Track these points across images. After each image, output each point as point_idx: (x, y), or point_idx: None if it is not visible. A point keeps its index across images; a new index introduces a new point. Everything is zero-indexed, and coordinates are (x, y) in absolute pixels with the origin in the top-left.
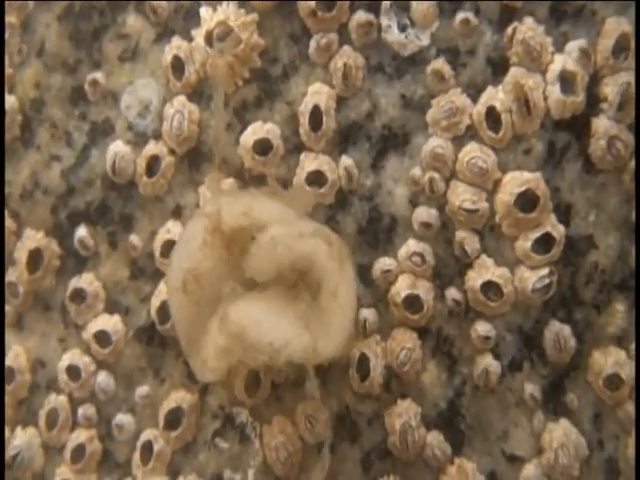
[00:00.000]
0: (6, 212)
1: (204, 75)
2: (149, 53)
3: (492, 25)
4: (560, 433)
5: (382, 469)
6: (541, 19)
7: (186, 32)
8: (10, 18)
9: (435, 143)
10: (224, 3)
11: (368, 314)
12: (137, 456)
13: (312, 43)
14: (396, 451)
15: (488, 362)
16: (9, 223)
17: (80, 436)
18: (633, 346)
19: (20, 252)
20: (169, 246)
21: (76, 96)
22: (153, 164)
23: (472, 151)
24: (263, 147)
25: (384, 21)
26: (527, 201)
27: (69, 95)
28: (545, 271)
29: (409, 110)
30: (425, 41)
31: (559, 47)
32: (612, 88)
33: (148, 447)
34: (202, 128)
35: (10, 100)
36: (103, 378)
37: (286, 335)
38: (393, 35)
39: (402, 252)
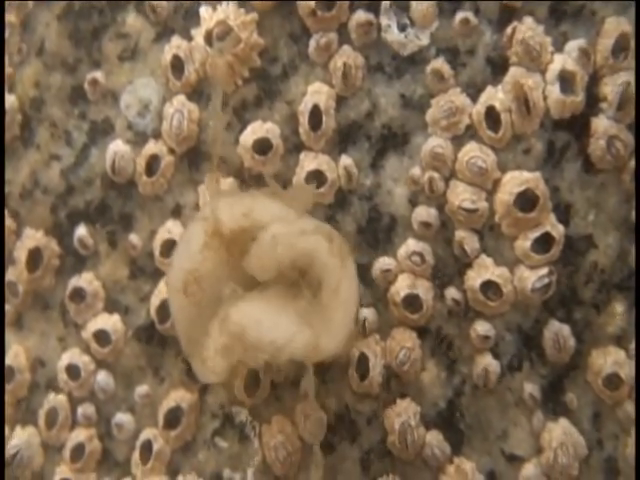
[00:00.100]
0: (6, 211)
1: (204, 74)
2: (149, 52)
3: (492, 25)
4: (559, 432)
5: (381, 468)
6: (541, 19)
7: (186, 31)
8: (10, 17)
9: (435, 143)
10: (224, 2)
11: (367, 313)
12: (136, 455)
13: (312, 43)
14: (395, 450)
15: (487, 362)
16: (9, 222)
17: (79, 435)
18: (632, 346)
19: (20, 251)
20: (169, 245)
21: (76, 95)
22: (153, 163)
23: (472, 151)
24: (263, 146)
25: (384, 21)
26: (526, 201)
27: (69, 94)
28: (544, 271)
29: (409, 110)
30: (425, 41)
31: (559, 47)
32: (612, 88)
33: (147, 446)
34: (202, 127)
35: (10, 99)
36: (102, 377)
37: (287, 333)
38: (393, 35)
39: (401, 252)
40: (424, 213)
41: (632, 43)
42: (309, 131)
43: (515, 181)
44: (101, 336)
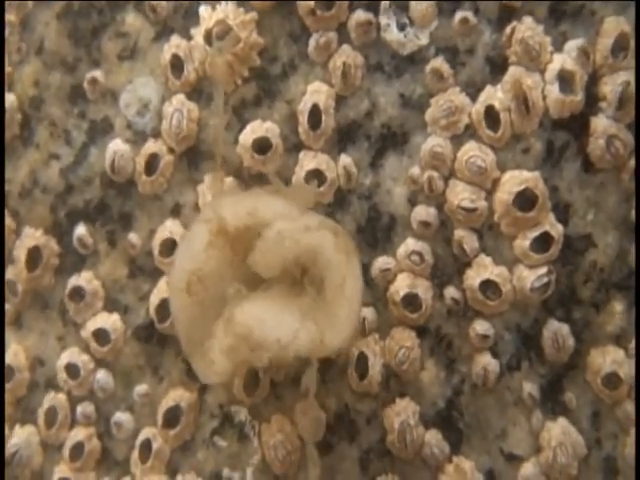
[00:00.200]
0: (5, 210)
1: (203, 74)
2: (148, 52)
3: (491, 24)
4: (558, 432)
5: (380, 468)
6: (540, 18)
7: (185, 31)
8: (9, 16)
9: (434, 142)
10: (223, 2)
11: (367, 313)
12: (136, 454)
13: (311, 42)
14: (394, 450)
15: (486, 361)
16: (8, 221)
17: (79, 434)
18: (632, 345)
19: (19, 250)
20: (168, 245)
21: (75, 94)
22: (152, 162)
23: (471, 150)
24: (262, 146)
25: (383, 20)
26: (526, 200)
27: (68, 93)
28: (543, 270)
29: (408, 109)
30: (424, 40)
31: (558, 46)
32: (611, 87)
33: (147, 445)
34: (201, 127)
35: (9, 98)
36: (102, 376)
37: (292, 330)
38: (392, 34)
39: (401, 251)
40: (423, 212)
41: (631, 43)
42: (308, 130)
43: (514, 180)
44: (100, 335)
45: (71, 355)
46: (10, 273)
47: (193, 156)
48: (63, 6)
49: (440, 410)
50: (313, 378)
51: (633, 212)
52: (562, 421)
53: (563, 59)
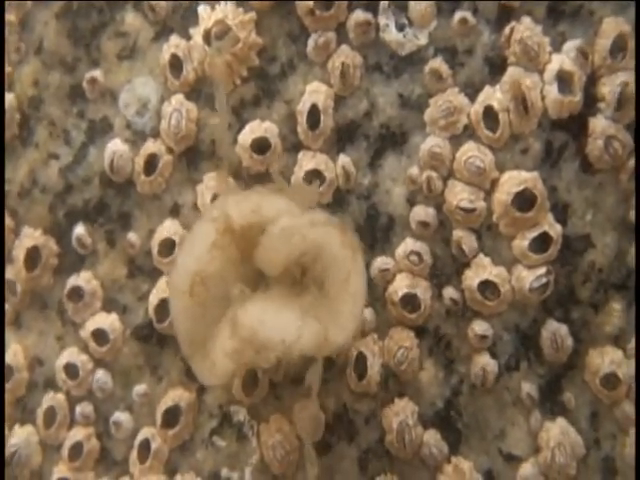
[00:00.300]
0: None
1: (202, 74)
2: (147, 51)
3: (490, 25)
4: (557, 432)
5: (379, 468)
6: (539, 19)
7: (184, 31)
8: (9, 16)
9: (433, 142)
10: (222, 2)
11: (366, 313)
12: (134, 454)
13: (310, 42)
14: (393, 450)
15: (485, 361)
16: (7, 221)
17: (78, 434)
18: (630, 345)
19: (18, 250)
20: (167, 244)
21: (74, 94)
22: (151, 162)
23: (470, 150)
24: (261, 146)
25: (382, 20)
26: (524, 200)
27: (67, 93)
28: (542, 270)
29: (407, 109)
30: (423, 40)
31: (557, 47)
32: (609, 88)
33: (145, 445)
34: (200, 127)
35: (8, 98)
36: (101, 376)
37: (296, 329)
38: (391, 34)
39: (400, 251)
40: (422, 212)
41: (630, 43)
42: (307, 130)
43: (513, 181)
44: (99, 335)
45: (70, 355)
46: (9, 273)
47: (192, 156)
48: (62, 6)
49: (439, 410)
50: (317, 376)
51: (632, 212)
52: (561, 421)
53: (562, 59)
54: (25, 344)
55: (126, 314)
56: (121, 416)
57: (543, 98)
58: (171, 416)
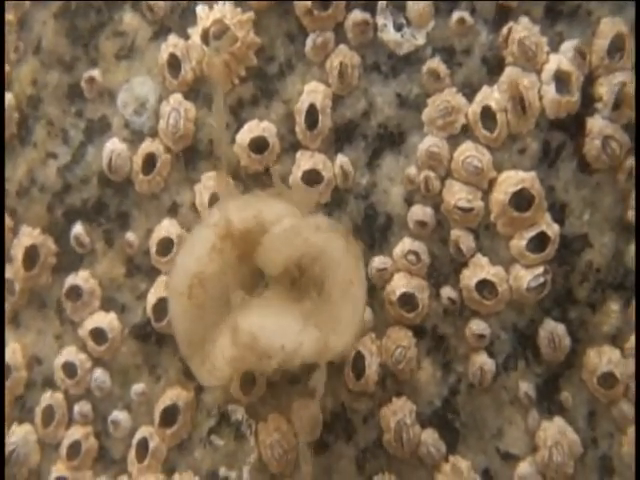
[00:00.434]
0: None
1: (200, 73)
2: (145, 51)
3: (488, 25)
4: (554, 431)
5: (377, 467)
6: (536, 19)
7: (182, 30)
8: (7, 16)
9: (430, 142)
10: (220, 2)
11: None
12: (133, 453)
13: (308, 42)
14: (391, 449)
15: (483, 360)
16: (6, 220)
17: (76, 433)
18: (627, 345)
19: (16, 249)
20: (165, 244)
21: (73, 93)
22: (149, 162)
23: (467, 150)
24: (259, 145)
25: (380, 20)
26: (522, 200)
27: (66, 92)
28: (540, 270)
29: (405, 109)
30: (421, 40)
31: (554, 47)
32: (607, 88)
33: (144, 444)
34: (198, 126)
35: (7, 97)
36: (99, 375)
37: (297, 336)
38: (389, 34)
39: (397, 250)
40: (420, 212)
41: (627, 43)
42: (305, 130)
43: (511, 180)
44: (97, 334)
45: (68, 354)
46: (8, 272)
47: (190, 155)
48: (60, 5)
49: (436, 409)
50: (322, 381)
51: (629, 212)
52: (558, 420)
53: (559, 59)
54: (23, 343)
55: (124, 313)
56: (119, 415)
57: (541, 98)
58: (169, 415)
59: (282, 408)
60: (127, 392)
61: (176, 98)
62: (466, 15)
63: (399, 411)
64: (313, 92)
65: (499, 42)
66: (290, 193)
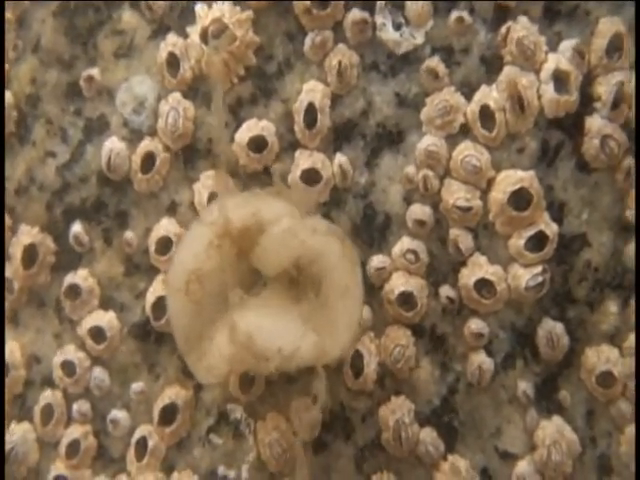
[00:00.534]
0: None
1: (199, 72)
2: (144, 50)
3: (486, 24)
4: (553, 430)
5: (375, 466)
6: (535, 18)
7: (181, 29)
8: (6, 14)
9: (429, 141)
10: (219, 1)
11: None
12: (132, 452)
13: (307, 41)
14: (390, 448)
15: (481, 359)
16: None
17: (75, 432)
18: (626, 344)
19: (15, 248)
20: (164, 243)
21: (71, 92)
22: (148, 161)
23: (466, 149)
24: (258, 144)
25: (379, 19)
26: (520, 199)
27: (64, 91)
28: (538, 269)
29: (403, 108)
30: (419, 39)
31: (553, 46)
32: (606, 87)
33: (142, 443)
34: (197, 125)
35: (6, 96)
36: (98, 374)
37: (294, 340)
38: (388, 33)
39: (396, 249)
40: (419, 211)
41: (626, 43)
42: (304, 129)
43: (509, 180)
44: (96, 333)
45: (67, 352)
46: (6, 271)
47: (189, 154)
48: (59, 4)
49: (435, 408)
50: (322, 387)
51: (628, 212)
52: (557, 419)
53: (558, 59)
54: (22, 342)
55: (123, 312)
56: (118, 414)
57: (539, 97)
58: (168, 414)
59: (281, 407)
60: (126, 391)
61: (175, 97)
62: (465, 14)
63: (398, 410)
64: (312, 91)
65: (498, 41)
66: (289, 192)
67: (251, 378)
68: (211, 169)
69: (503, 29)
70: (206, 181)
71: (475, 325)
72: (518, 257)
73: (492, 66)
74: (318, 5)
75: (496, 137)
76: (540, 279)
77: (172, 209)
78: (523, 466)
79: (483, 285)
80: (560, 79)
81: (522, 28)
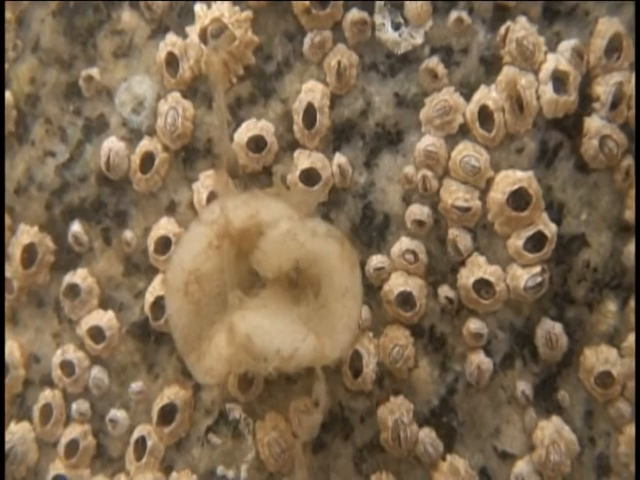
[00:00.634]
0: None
1: (199, 72)
2: (144, 49)
3: (485, 24)
4: (551, 430)
5: (374, 466)
6: (534, 18)
7: (180, 29)
8: (5, 13)
9: (428, 141)
10: (218, 0)
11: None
12: (131, 452)
13: (306, 41)
14: (388, 447)
15: (480, 359)
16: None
17: (74, 431)
18: (624, 344)
19: (14, 247)
20: (163, 242)
21: (71, 92)
22: (147, 160)
23: (465, 149)
24: (257, 144)
25: (378, 19)
26: (519, 199)
27: (64, 91)
28: (537, 269)
29: (402, 108)
30: (419, 40)
31: (552, 47)
32: (604, 88)
33: (141, 443)
34: (196, 125)
35: (5, 95)
36: (97, 373)
37: (293, 341)
38: (387, 33)
39: (395, 250)
40: (417, 211)
41: (625, 43)
42: (303, 129)
43: (508, 180)
44: (95, 332)
45: (66, 352)
46: (6, 270)
47: (188, 154)
48: (59, 3)
49: (434, 408)
50: (322, 391)
51: (626, 212)
52: (555, 419)
53: (557, 59)
54: (21, 341)
55: (122, 312)
56: (117, 413)
57: (538, 98)
58: (167, 414)
59: (280, 407)
60: (125, 390)
61: (174, 97)
62: (464, 14)
63: (396, 410)
64: (311, 91)
65: (497, 42)
66: (288, 194)
67: (250, 378)
68: (210, 169)
69: (502, 29)
70: (205, 181)
71: (474, 325)
72: (517, 257)
73: (491, 66)
74: (317, 5)
75: (495, 137)
76: (539, 279)
77: (171, 209)
78: (522, 466)
79: (482, 285)
80: (559, 79)
81: (521, 28)
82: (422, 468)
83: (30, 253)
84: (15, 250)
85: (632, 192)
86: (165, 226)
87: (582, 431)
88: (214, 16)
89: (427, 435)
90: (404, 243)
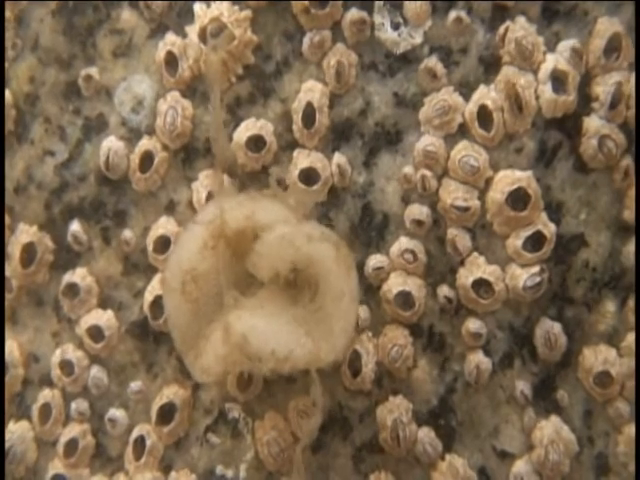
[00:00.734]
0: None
1: (198, 71)
2: (143, 49)
3: (484, 24)
4: (550, 430)
5: (373, 465)
6: (533, 18)
7: (180, 28)
8: (5, 12)
9: (427, 141)
10: (218, 0)
11: (360, 311)
12: (130, 451)
13: (305, 40)
14: (387, 447)
15: (479, 359)
16: None
17: (73, 430)
18: (623, 344)
19: (14, 247)
20: (162, 242)
21: (70, 91)
22: (146, 160)
23: (464, 149)
24: (256, 144)
25: (377, 19)
26: (518, 199)
27: (63, 90)
28: (536, 269)
29: (402, 108)
30: (418, 39)
31: (551, 46)
32: (603, 88)
33: (140, 442)
34: (195, 124)
35: (4, 94)
36: (96, 373)
37: (289, 343)
38: (386, 33)
39: (394, 249)
40: (416, 211)
41: (624, 43)
42: (302, 129)
43: (507, 180)
44: (95, 332)
45: (65, 351)
46: (5, 269)
47: (187, 153)
48: (58, 3)
49: (433, 408)
50: (319, 394)
51: (625, 212)
52: (554, 419)
53: (556, 59)
54: (21, 340)
55: (121, 311)
56: (116, 413)
57: (537, 97)
58: (166, 413)
59: (279, 406)
60: (124, 390)
61: (173, 96)
62: (463, 14)
63: (395, 409)
64: (310, 91)
65: (496, 41)
66: (286, 194)
67: (249, 377)
68: (210, 168)
69: (501, 29)
70: (204, 180)
71: (473, 325)
72: (516, 257)
73: (490, 66)
74: (316, 5)
75: (494, 137)
76: (538, 279)
77: (170, 208)
78: (521, 466)
79: (481, 285)
80: (558, 79)
81: (520, 28)
82: (421, 468)
83: (29, 252)
84: (14, 249)
85: (631, 192)
86: (164, 225)
87: (581, 431)
88: (213, 15)
89: (426, 435)
90: (403, 243)
